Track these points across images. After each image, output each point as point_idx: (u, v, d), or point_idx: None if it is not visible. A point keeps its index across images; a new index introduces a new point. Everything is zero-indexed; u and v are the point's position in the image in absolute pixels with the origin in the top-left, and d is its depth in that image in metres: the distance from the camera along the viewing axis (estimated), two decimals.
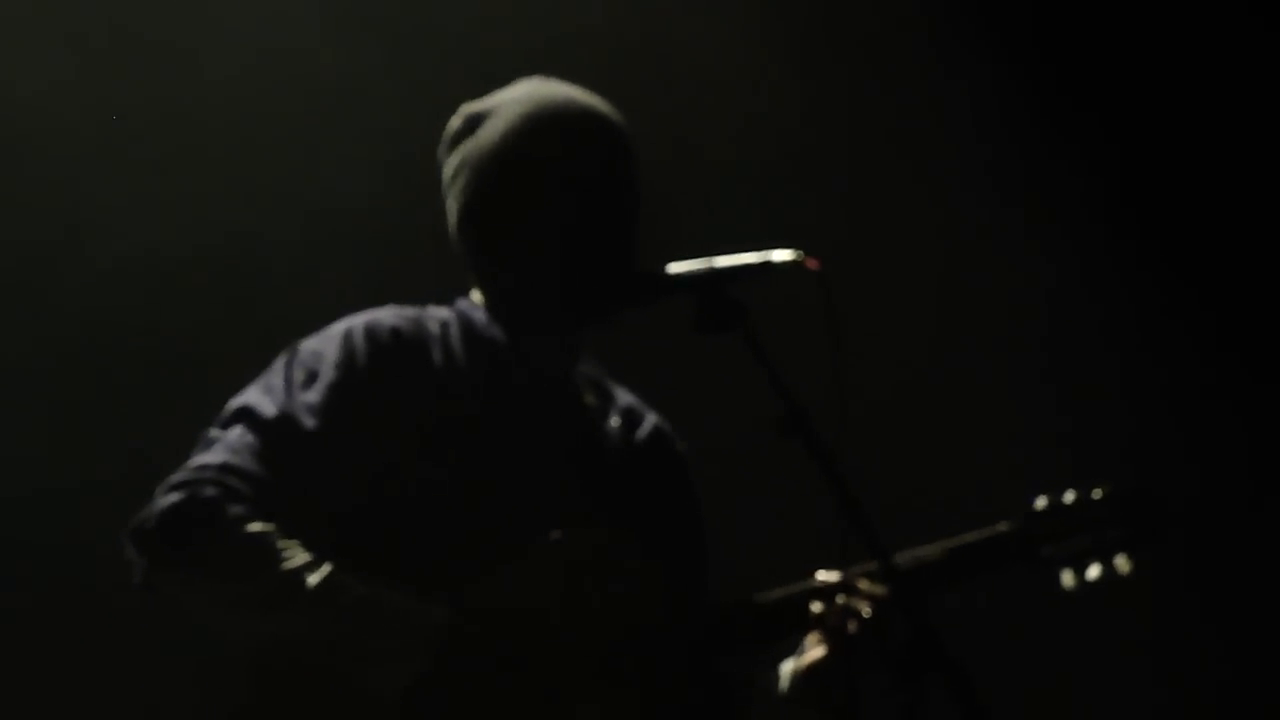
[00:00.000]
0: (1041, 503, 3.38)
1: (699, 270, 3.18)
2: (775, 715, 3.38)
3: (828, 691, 3.32)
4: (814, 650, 3.32)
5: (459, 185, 3.47)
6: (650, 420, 3.57)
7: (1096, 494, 3.35)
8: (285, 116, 4.97)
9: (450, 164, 3.50)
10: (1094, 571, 3.33)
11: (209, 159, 4.93)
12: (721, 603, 3.41)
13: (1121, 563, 3.33)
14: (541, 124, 3.43)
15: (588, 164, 3.41)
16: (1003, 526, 3.36)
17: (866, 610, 3.22)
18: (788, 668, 3.37)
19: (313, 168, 4.98)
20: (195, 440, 3.32)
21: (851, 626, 3.22)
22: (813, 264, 3.09)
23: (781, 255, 3.12)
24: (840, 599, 3.24)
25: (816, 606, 3.26)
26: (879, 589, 3.22)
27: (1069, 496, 3.37)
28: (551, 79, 3.51)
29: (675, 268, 3.21)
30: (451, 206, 3.48)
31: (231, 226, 4.93)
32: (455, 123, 3.52)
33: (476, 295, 3.50)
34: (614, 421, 3.51)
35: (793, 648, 3.37)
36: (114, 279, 4.87)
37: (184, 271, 4.90)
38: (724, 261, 3.17)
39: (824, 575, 3.28)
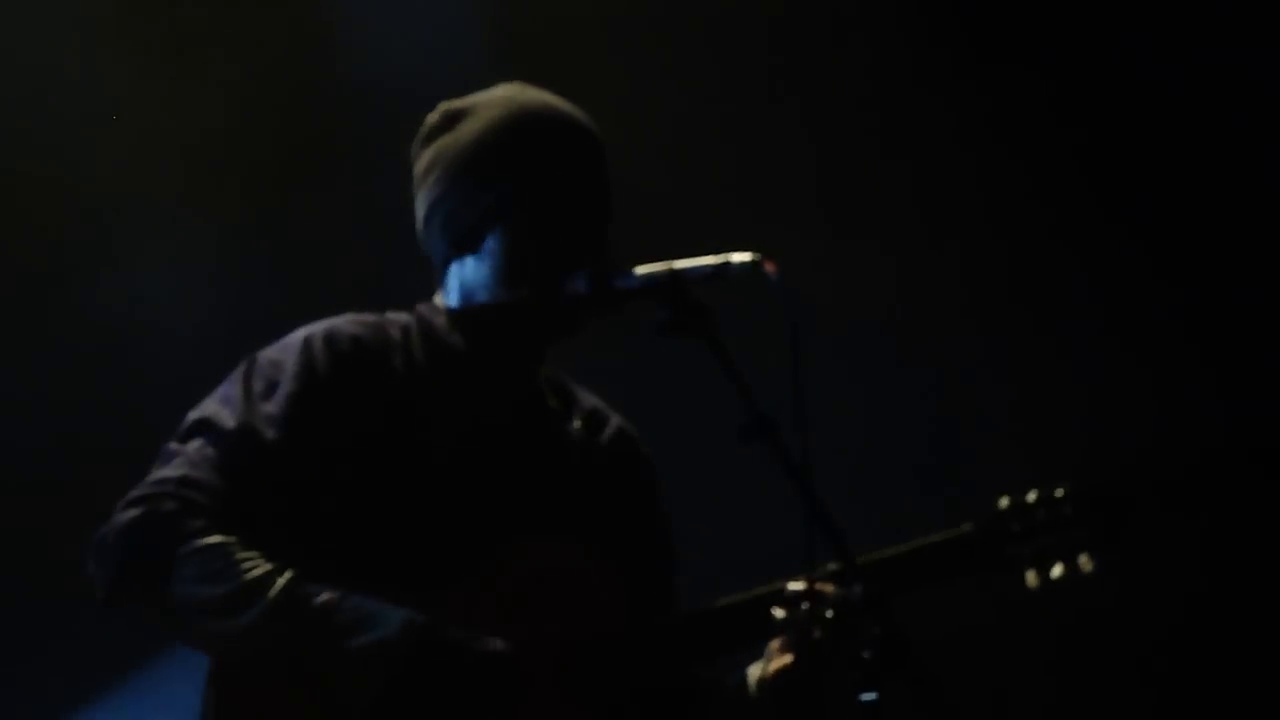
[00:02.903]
0: (1004, 502, 3.38)
1: (661, 273, 3.18)
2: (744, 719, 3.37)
3: (794, 696, 3.31)
4: (779, 656, 3.31)
5: (430, 181, 3.45)
6: (614, 423, 3.56)
7: (1059, 493, 3.35)
8: None
9: (423, 159, 3.48)
10: (1057, 571, 3.33)
11: None
12: (685, 608, 3.40)
13: (1084, 561, 3.33)
14: (520, 127, 3.42)
15: (563, 170, 3.40)
16: (966, 527, 3.36)
17: (831, 614, 3.22)
18: (754, 672, 3.36)
19: None
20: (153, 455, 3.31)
21: (816, 631, 3.21)
22: (771, 266, 3.09)
23: (740, 257, 3.12)
24: (805, 604, 3.23)
25: (780, 611, 3.26)
26: (843, 592, 3.21)
27: (1032, 496, 3.37)
28: (530, 86, 3.51)
29: (638, 271, 3.21)
30: (421, 202, 3.47)
31: None
32: (432, 118, 3.50)
33: (439, 298, 3.49)
34: (576, 425, 3.50)
35: (759, 652, 3.36)
36: None
37: None
38: (684, 264, 3.17)
39: (789, 581, 3.27)
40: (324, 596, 3.16)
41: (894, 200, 5.40)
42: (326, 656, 3.15)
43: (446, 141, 3.45)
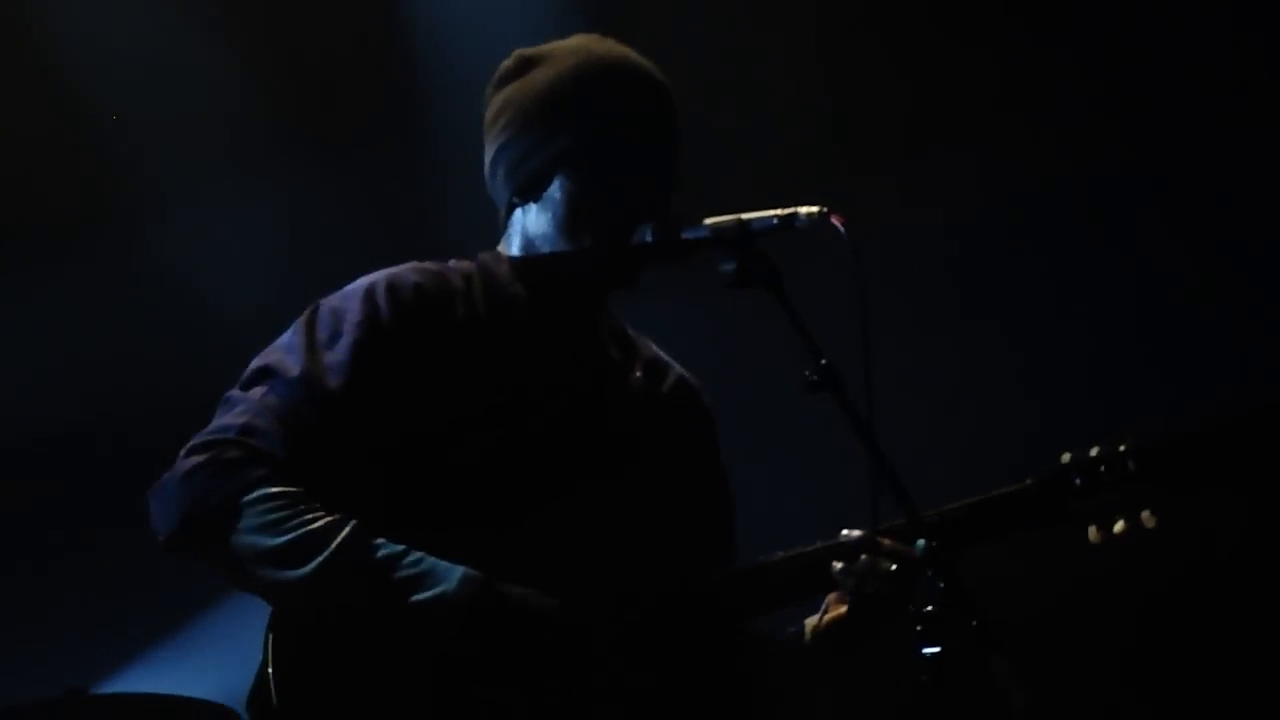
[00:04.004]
0: (1067, 457, 3.36)
1: (728, 224, 3.17)
2: (799, 672, 3.37)
3: (849, 650, 3.31)
4: (835, 607, 3.31)
5: (500, 124, 3.44)
6: (675, 373, 3.56)
7: (1123, 448, 3.33)
8: None
9: (495, 103, 3.47)
10: (1119, 526, 3.32)
11: None
12: (746, 560, 3.40)
13: (1147, 518, 3.31)
14: (593, 77, 3.41)
15: (633, 121, 3.38)
16: (1029, 482, 3.34)
17: (891, 568, 3.21)
18: (811, 623, 3.36)
19: None
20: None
21: (876, 584, 3.20)
22: (838, 218, 3.08)
23: (807, 209, 3.11)
24: (864, 556, 3.23)
25: (838, 565, 3.25)
26: (904, 546, 3.20)
27: (1095, 451, 3.35)
28: (605, 37, 3.49)
29: (706, 222, 3.20)
30: (489, 147, 3.46)
31: None
32: (506, 64, 3.49)
33: (501, 247, 3.48)
34: (638, 375, 3.50)
35: (817, 606, 3.36)
36: None
37: None
38: (751, 216, 3.16)
39: (848, 533, 3.27)
40: (385, 551, 3.17)
41: (961, 150, 5.37)
42: (386, 611, 3.15)
43: (518, 87, 3.44)
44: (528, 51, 3.49)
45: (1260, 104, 5.31)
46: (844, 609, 3.30)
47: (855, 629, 3.30)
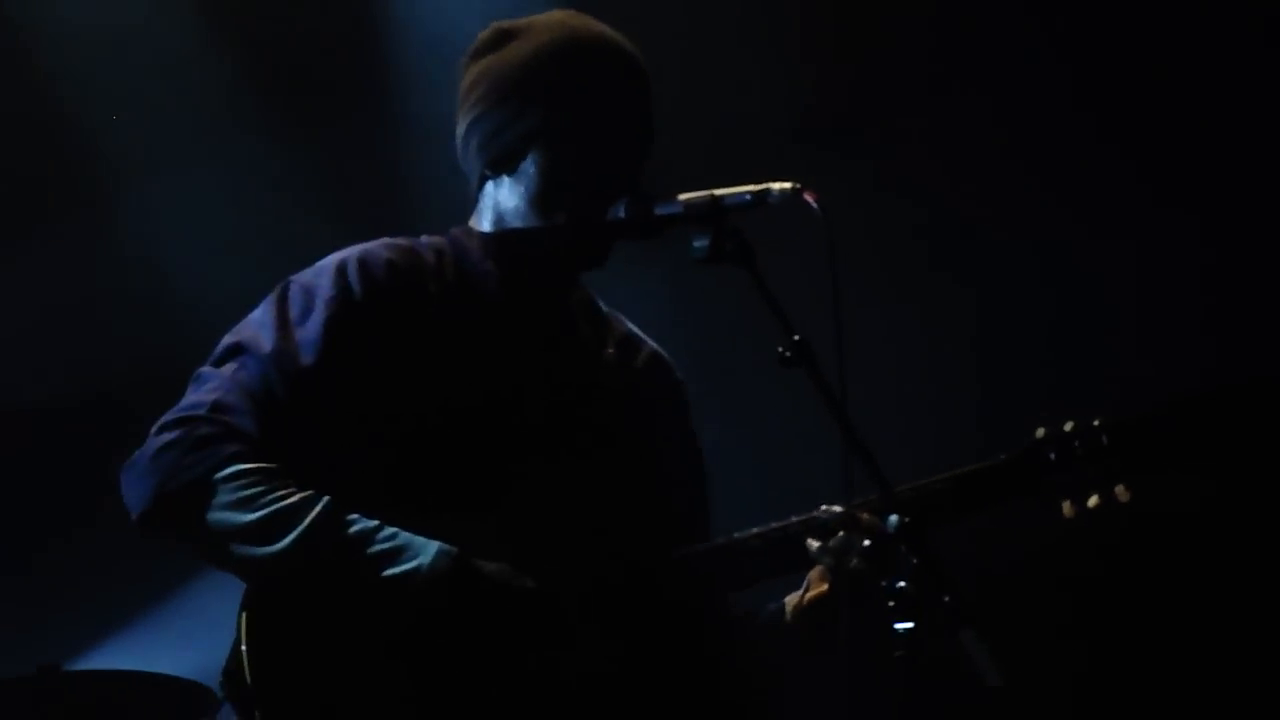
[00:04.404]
0: (1041, 432, 3.36)
1: (702, 200, 3.16)
2: (780, 648, 3.37)
3: (828, 625, 3.31)
4: (816, 585, 3.31)
5: (475, 96, 3.43)
6: (647, 348, 3.55)
7: (1096, 423, 3.34)
8: None
9: (470, 74, 3.46)
10: (1093, 501, 3.32)
11: None
12: (720, 537, 3.40)
13: (1121, 492, 3.31)
14: (570, 52, 3.39)
15: (610, 98, 3.38)
16: (1004, 457, 3.35)
17: (867, 544, 3.21)
18: (791, 600, 3.36)
19: None
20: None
21: (853, 561, 3.20)
22: (811, 195, 3.07)
23: (780, 185, 3.10)
24: (840, 533, 3.22)
25: (814, 541, 3.25)
26: (879, 522, 3.20)
27: (1069, 426, 3.36)
28: (583, 14, 3.48)
29: (680, 198, 3.20)
30: (463, 118, 3.45)
31: None
32: (484, 35, 3.48)
33: (472, 221, 3.47)
34: (610, 350, 3.49)
35: (798, 582, 3.36)
36: None
37: None
38: (724, 192, 3.15)
39: (825, 509, 3.27)
40: (359, 526, 3.16)
41: (930, 126, 5.37)
42: (360, 586, 3.15)
43: (495, 59, 3.43)
44: (505, 24, 3.47)
45: (1224, 76, 5.31)
46: (825, 586, 3.30)
47: (834, 606, 3.30)
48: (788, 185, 3.10)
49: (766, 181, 3.12)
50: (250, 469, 3.18)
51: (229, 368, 3.27)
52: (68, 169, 5.41)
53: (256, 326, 3.30)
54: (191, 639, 5.01)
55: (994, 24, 5.41)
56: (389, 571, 3.14)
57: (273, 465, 3.20)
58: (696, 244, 3.13)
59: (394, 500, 3.23)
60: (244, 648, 3.17)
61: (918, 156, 5.37)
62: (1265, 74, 5.29)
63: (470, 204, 3.49)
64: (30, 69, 5.35)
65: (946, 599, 2.84)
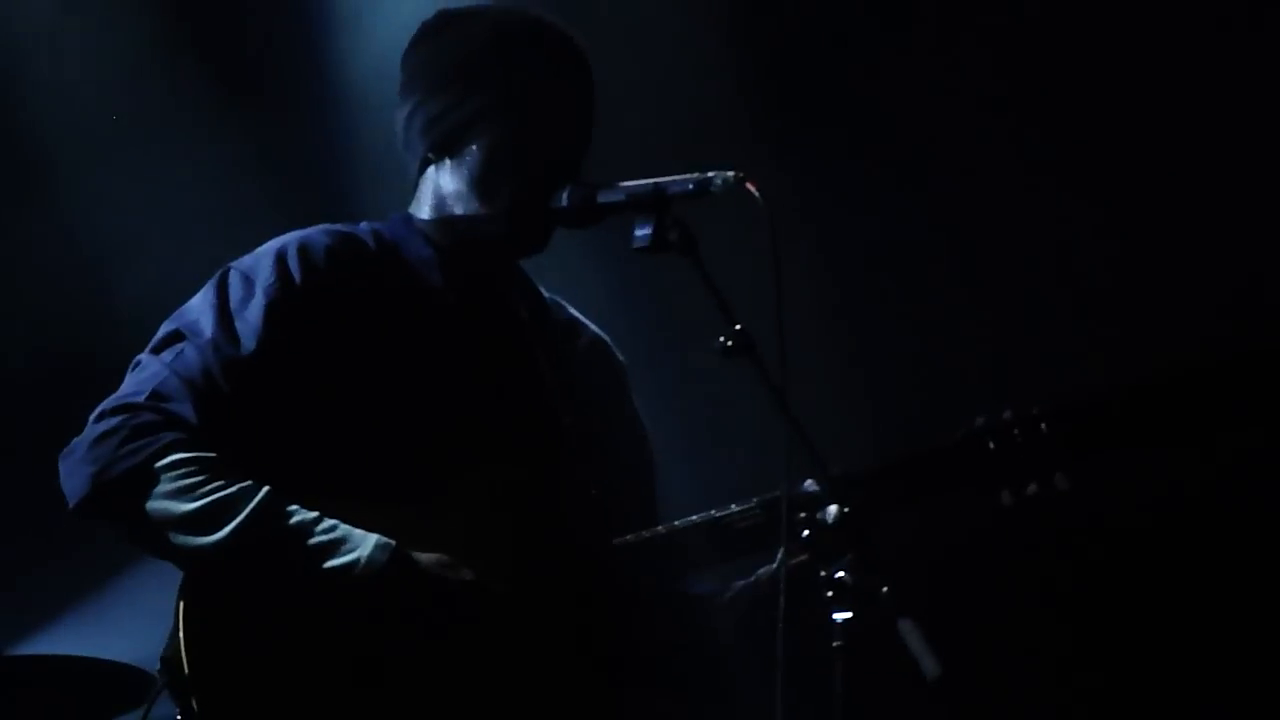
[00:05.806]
0: (980, 421, 3.37)
1: (644, 188, 3.16)
2: (725, 634, 3.38)
3: (765, 613, 3.32)
4: (761, 571, 3.32)
5: (419, 80, 3.42)
6: (589, 333, 3.56)
7: (1035, 411, 3.35)
8: None
9: (415, 58, 3.46)
10: (1032, 489, 3.33)
11: None
12: (664, 524, 3.40)
13: (1060, 480, 3.32)
14: (514, 38, 3.40)
15: (552, 85, 3.38)
16: (942, 445, 3.35)
17: (805, 534, 3.21)
18: (736, 587, 3.37)
19: None
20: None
21: (794, 549, 3.21)
22: (753, 184, 3.08)
23: (723, 175, 3.11)
24: (784, 520, 3.23)
25: (758, 527, 3.26)
26: (817, 511, 3.20)
27: (1007, 415, 3.36)
28: (529, 2, 3.49)
29: (622, 185, 3.20)
30: (406, 102, 3.44)
31: None
32: (428, 20, 3.48)
33: (412, 207, 3.47)
34: (551, 336, 3.49)
35: (741, 568, 3.37)
36: None
37: None
38: (667, 180, 3.15)
39: (765, 497, 3.27)
40: (298, 517, 3.16)
41: (875, 124, 5.37)
42: (299, 577, 3.14)
43: (439, 44, 3.43)
44: (450, 10, 3.47)
45: (1181, 61, 5.33)
46: (768, 572, 3.32)
47: (771, 594, 3.30)
48: (730, 174, 3.10)
49: (709, 170, 3.12)
50: (189, 458, 3.17)
51: (168, 354, 3.26)
52: (3, 159, 5.37)
53: (196, 313, 3.29)
54: (133, 625, 4.99)
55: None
56: (327, 564, 3.14)
57: (212, 454, 3.18)
58: (639, 232, 3.13)
59: (334, 490, 3.22)
60: (181, 636, 3.16)
61: (856, 145, 5.37)
62: (1198, 63, 5.32)
63: (410, 190, 3.48)
64: None
65: (885, 589, 2.85)
